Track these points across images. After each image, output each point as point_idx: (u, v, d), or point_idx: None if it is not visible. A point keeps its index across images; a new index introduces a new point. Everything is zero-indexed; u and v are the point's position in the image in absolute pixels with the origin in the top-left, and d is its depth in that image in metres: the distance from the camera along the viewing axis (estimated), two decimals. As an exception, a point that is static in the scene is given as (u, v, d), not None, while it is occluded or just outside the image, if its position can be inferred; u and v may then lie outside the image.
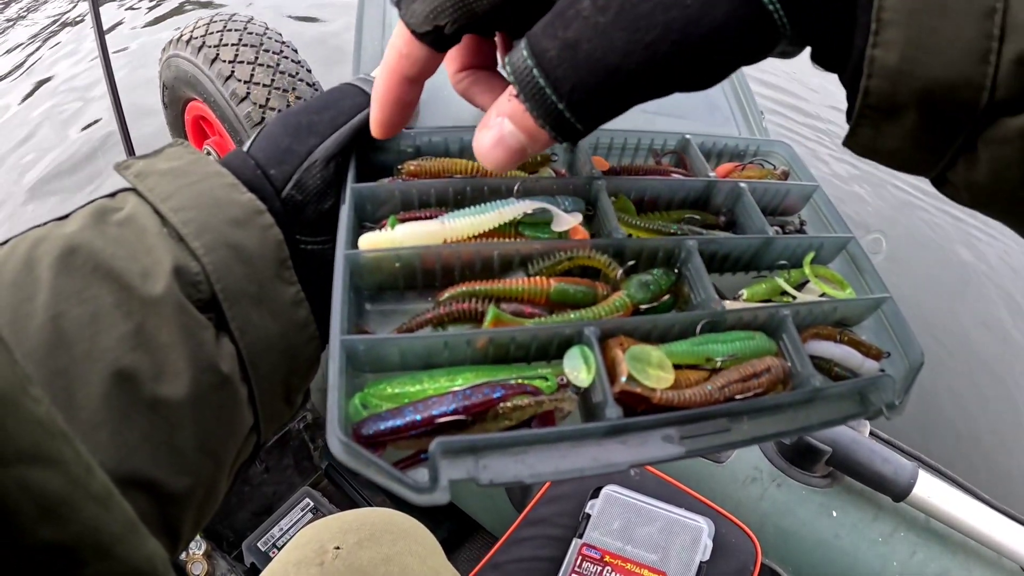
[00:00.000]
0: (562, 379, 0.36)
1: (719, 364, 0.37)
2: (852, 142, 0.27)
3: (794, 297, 0.43)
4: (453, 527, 1.15)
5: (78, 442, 0.20)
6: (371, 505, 1.13)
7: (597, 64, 0.26)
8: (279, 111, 1.12)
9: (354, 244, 0.38)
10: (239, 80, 1.11)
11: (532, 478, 0.33)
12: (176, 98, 1.36)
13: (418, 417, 0.33)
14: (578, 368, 0.35)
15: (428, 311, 0.38)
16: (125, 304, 0.32)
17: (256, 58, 1.12)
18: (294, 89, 1.15)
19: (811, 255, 0.44)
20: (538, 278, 0.38)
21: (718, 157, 0.49)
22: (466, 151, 0.44)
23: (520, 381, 0.35)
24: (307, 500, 1.08)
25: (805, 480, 0.88)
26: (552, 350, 0.37)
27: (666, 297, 0.41)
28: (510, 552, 0.76)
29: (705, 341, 0.38)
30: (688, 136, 0.46)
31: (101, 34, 1.06)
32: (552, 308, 0.38)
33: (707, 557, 0.71)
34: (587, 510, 0.74)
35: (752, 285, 0.43)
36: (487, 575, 0.75)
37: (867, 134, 0.26)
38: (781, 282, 0.43)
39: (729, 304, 0.40)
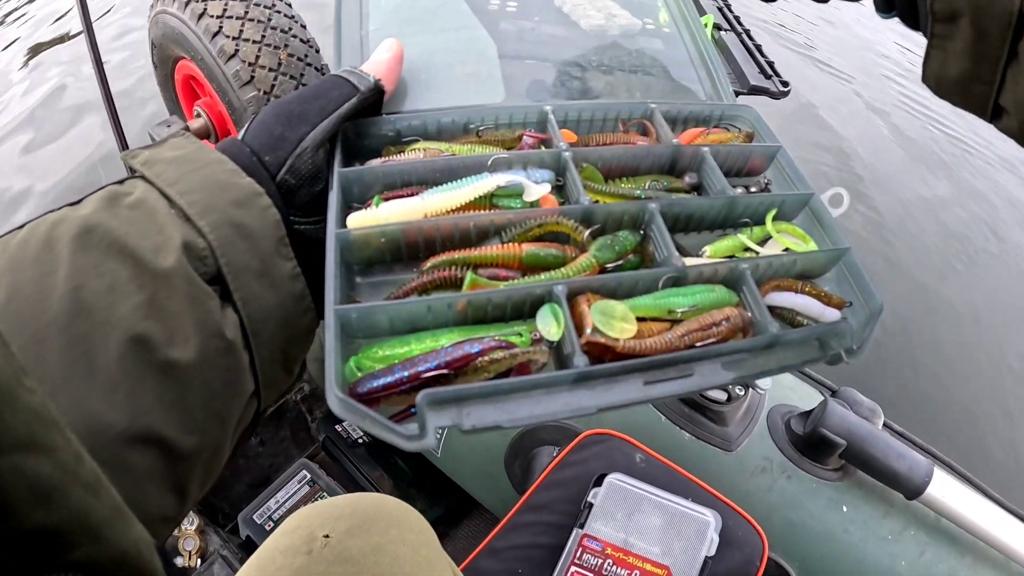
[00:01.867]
0: (536, 334, 0.39)
1: (679, 315, 0.40)
2: (926, 72, 0.32)
3: (757, 253, 0.46)
4: (452, 504, 1.16)
5: (69, 431, 0.21)
6: (367, 477, 1.14)
7: None
8: (269, 69, 1.07)
9: (343, 223, 0.42)
10: (227, 36, 1.04)
11: (510, 423, 0.36)
12: (165, 57, 1.28)
13: (406, 374, 0.37)
14: (549, 324, 0.39)
15: (413, 280, 0.41)
16: (139, 277, 0.34)
17: (246, 12, 1.04)
18: (286, 46, 1.07)
19: (773, 212, 0.47)
20: (511, 244, 0.41)
21: (684, 123, 0.51)
22: (444, 132, 0.47)
23: (497, 337, 0.38)
24: (304, 472, 1.07)
25: (816, 472, 0.85)
26: (526, 309, 0.40)
27: (632, 257, 0.44)
28: (509, 538, 0.74)
29: (667, 295, 0.41)
30: (652, 105, 0.49)
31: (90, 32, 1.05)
32: (525, 271, 0.41)
33: (713, 552, 0.68)
34: (589, 498, 0.71)
35: (715, 242, 0.46)
36: (484, 560, 0.73)
37: (937, 58, 0.30)
38: (744, 239, 0.46)
39: (691, 261, 0.43)
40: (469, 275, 0.39)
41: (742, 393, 0.87)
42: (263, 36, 1.03)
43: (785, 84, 0.84)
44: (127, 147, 1.14)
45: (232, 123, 1.16)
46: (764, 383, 0.86)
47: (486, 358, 0.37)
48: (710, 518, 0.70)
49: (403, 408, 0.39)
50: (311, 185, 0.43)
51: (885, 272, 2.18)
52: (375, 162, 0.46)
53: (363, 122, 0.46)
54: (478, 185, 0.42)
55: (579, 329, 0.38)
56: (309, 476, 1.06)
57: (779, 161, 0.49)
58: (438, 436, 1.05)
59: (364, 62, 0.49)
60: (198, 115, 1.21)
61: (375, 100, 0.46)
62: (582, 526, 0.70)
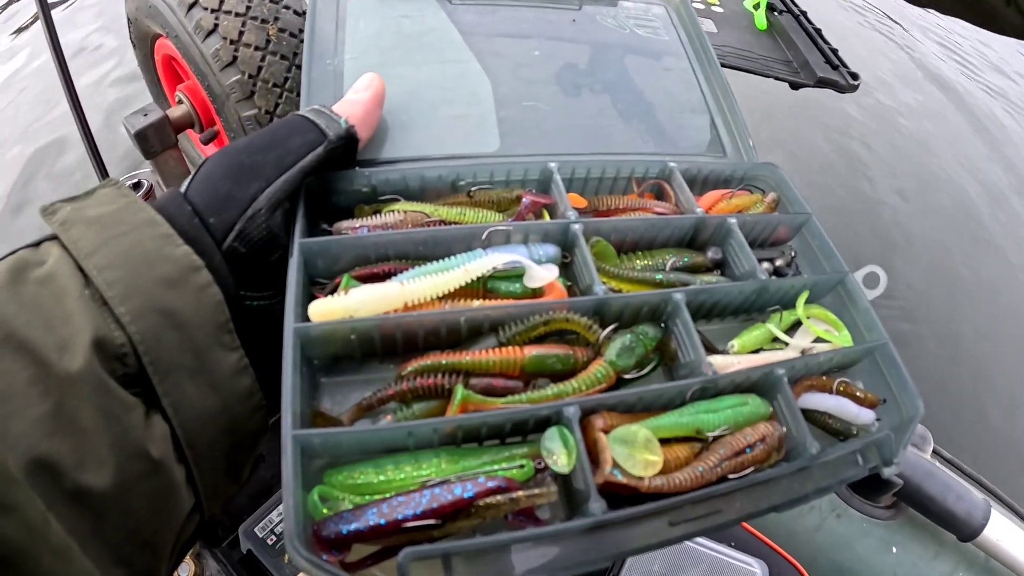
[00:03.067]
0: (539, 463, 0.32)
1: (711, 438, 0.34)
2: None
3: (786, 344, 0.40)
4: None
5: (32, 494, 0.18)
6: None
7: None
8: (255, 48, 0.87)
9: (304, 311, 0.34)
10: (205, 8, 0.85)
11: (511, 583, 0.29)
12: (143, 35, 1.09)
13: (382, 521, 0.30)
14: (557, 451, 0.32)
15: (390, 387, 0.33)
16: (42, 381, 0.28)
17: None
18: (276, 19, 0.88)
19: (804, 295, 0.40)
20: (510, 348, 0.34)
21: (703, 184, 0.44)
22: (428, 189, 0.39)
23: (492, 474, 0.31)
24: None
25: (867, 511, 0.80)
26: (529, 427, 0.33)
27: (651, 356, 0.37)
28: None
29: (695, 411, 0.34)
30: (672, 164, 0.42)
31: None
32: (527, 379, 0.34)
33: None
34: None
35: (742, 334, 0.39)
36: None
37: None
38: (773, 328, 0.40)
39: (719, 360, 0.36)
40: (459, 391, 0.32)
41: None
42: (248, 8, 0.85)
43: (855, 76, 0.75)
44: (92, 140, 0.96)
45: (215, 111, 0.98)
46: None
47: (481, 503, 0.30)
48: (756, 568, 0.65)
49: (380, 548, 0.31)
50: (266, 254, 0.35)
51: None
52: (345, 225, 0.37)
53: (332, 176, 0.38)
54: (471, 267, 0.35)
55: (593, 458, 0.32)
56: None
57: (806, 231, 0.43)
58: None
59: (335, 96, 0.40)
60: (180, 101, 1.04)
61: (346, 149, 0.37)
62: None
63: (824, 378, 0.39)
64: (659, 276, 0.37)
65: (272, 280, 0.36)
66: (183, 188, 0.35)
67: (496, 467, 0.32)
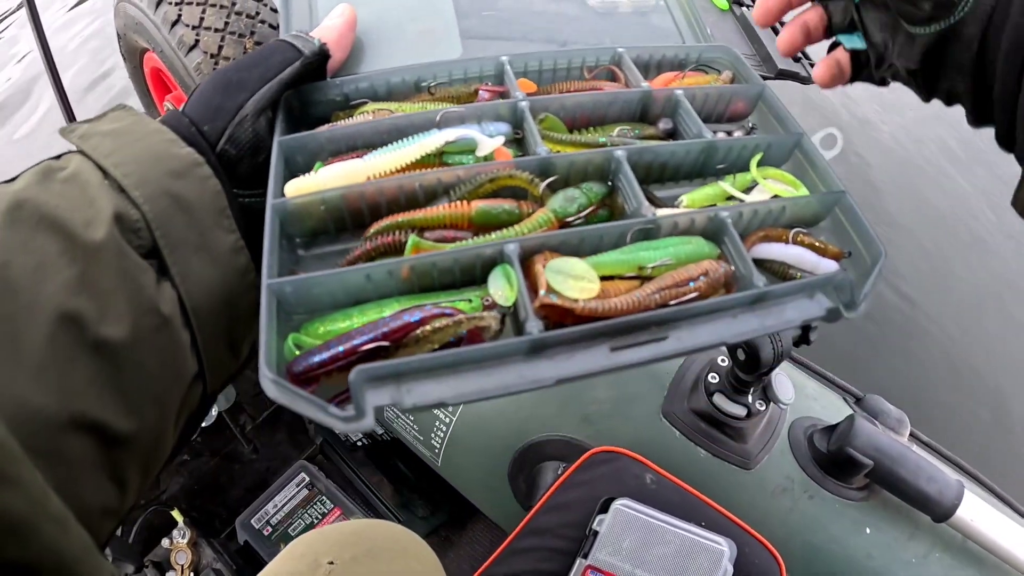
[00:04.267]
0: (488, 300, 0.35)
1: (650, 271, 0.36)
2: (1018, 197, 0.33)
3: (741, 200, 0.41)
4: (455, 510, 1.10)
5: (32, 467, 0.20)
6: (365, 482, 1.08)
7: None
8: (234, 61, 1.00)
9: (282, 192, 0.38)
10: (187, 26, 0.93)
11: (456, 399, 0.32)
12: (132, 49, 1.19)
13: (341, 348, 0.33)
14: (501, 287, 0.35)
15: (357, 248, 0.37)
16: (69, 252, 0.32)
17: None
18: (252, 34, 0.95)
19: (758, 156, 0.42)
20: (458, 202, 0.37)
21: (657, 68, 0.46)
22: (395, 92, 0.43)
23: (441, 304, 0.34)
24: (302, 475, 1.02)
25: (840, 492, 0.79)
26: (478, 274, 0.36)
27: (602, 211, 0.39)
28: (509, 563, 0.68)
29: (636, 249, 0.36)
30: (620, 50, 0.44)
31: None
32: (477, 232, 0.37)
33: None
34: (595, 526, 0.66)
35: (693, 192, 0.41)
36: None
37: None
38: (726, 186, 0.41)
39: (664, 212, 0.38)
40: (412, 239, 0.35)
41: (763, 408, 0.80)
42: (226, 23, 0.94)
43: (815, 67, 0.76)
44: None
45: None
46: (786, 396, 0.79)
47: (428, 327, 0.33)
48: (724, 547, 0.64)
49: (345, 388, 0.35)
50: (253, 156, 0.40)
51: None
52: (322, 129, 0.42)
53: (307, 88, 0.43)
54: (425, 142, 0.38)
55: (534, 291, 0.34)
56: (308, 479, 1.02)
57: (764, 103, 0.44)
58: (392, 417, 0.99)
59: (313, 28, 0.45)
60: (169, 110, 1.15)
61: (319, 65, 0.42)
62: (586, 556, 0.64)
63: (779, 229, 0.40)
64: (602, 139, 0.40)
65: (260, 180, 0.40)
66: (181, 108, 0.41)
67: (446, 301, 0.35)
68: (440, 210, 0.36)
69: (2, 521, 0.18)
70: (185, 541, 0.90)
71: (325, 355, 0.33)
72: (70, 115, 1.02)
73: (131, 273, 0.33)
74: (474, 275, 0.36)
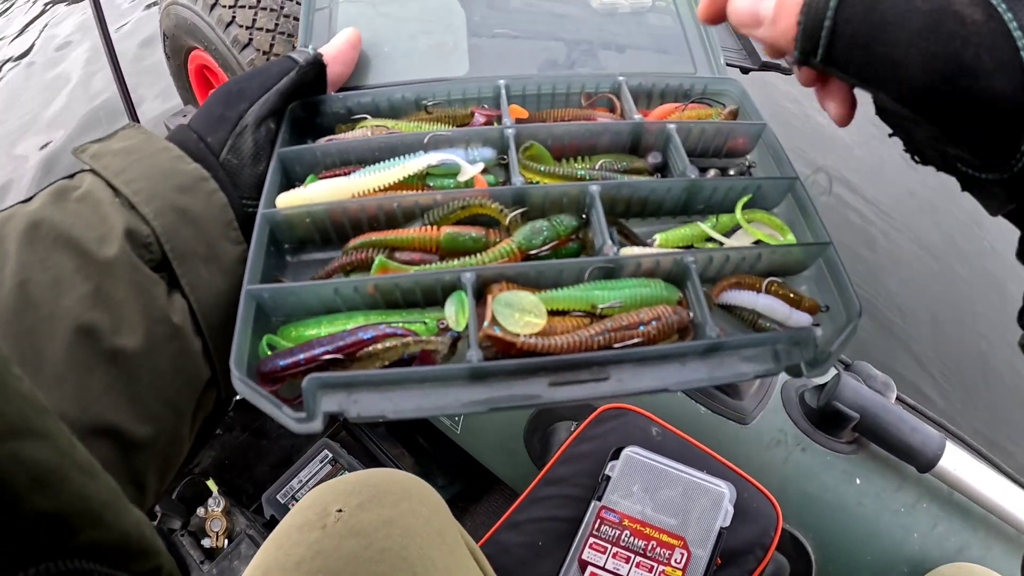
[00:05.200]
0: (442, 323, 0.37)
1: (600, 311, 0.36)
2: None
3: (720, 244, 0.41)
4: (472, 480, 1.15)
5: (57, 419, 0.21)
6: (387, 454, 1.14)
7: (877, 34, 0.28)
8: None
9: (274, 202, 0.41)
10: (240, 26, 1.02)
11: (396, 414, 0.35)
12: (178, 48, 1.27)
13: (303, 356, 0.36)
14: (454, 313, 0.37)
15: (335, 261, 0.40)
16: (84, 268, 0.35)
17: (259, 1, 1.03)
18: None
19: (745, 199, 0.41)
20: (428, 227, 0.39)
21: (661, 97, 0.46)
22: (396, 108, 0.46)
23: (396, 324, 0.36)
24: (326, 452, 1.07)
25: (830, 445, 0.84)
26: (439, 295, 0.38)
27: (572, 244, 0.40)
28: (529, 511, 0.76)
29: (591, 288, 0.37)
30: (621, 78, 0.44)
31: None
32: (444, 255, 0.39)
33: (727, 523, 0.68)
34: (607, 471, 0.72)
35: (669, 231, 0.41)
36: (505, 533, 0.75)
37: None
38: (705, 227, 0.41)
39: (629, 251, 0.39)
40: (378, 259, 0.38)
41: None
42: (276, 24, 1.03)
43: None
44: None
45: None
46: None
47: (379, 345, 0.36)
48: (724, 489, 0.69)
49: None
50: (254, 165, 0.43)
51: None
52: (324, 140, 0.45)
53: (312, 101, 0.45)
54: (409, 164, 0.41)
55: (487, 319, 0.36)
56: (331, 455, 1.07)
57: (764, 141, 0.43)
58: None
59: (330, 33, 0.48)
60: (178, 125, 1.22)
61: (316, 75, 0.45)
62: (600, 498, 0.70)
63: (753, 276, 0.40)
64: (581, 171, 0.41)
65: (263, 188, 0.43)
66: (188, 122, 0.44)
67: (404, 324, 0.37)
68: (411, 233, 0.39)
69: (33, 471, 0.19)
70: (219, 509, 0.97)
71: (289, 360, 0.37)
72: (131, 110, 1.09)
73: (143, 285, 0.36)
74: (436, 296, 0.38)
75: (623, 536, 0.68)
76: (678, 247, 0.41)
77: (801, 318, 0.39)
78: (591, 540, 0.68)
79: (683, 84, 0.46)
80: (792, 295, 0.39)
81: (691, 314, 0.37)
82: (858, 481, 0.83)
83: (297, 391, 0.38)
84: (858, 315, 0.37)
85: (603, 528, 0.69)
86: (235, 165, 0.42)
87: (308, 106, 0.45)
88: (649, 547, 0.66)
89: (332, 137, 0.45)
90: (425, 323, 0.37)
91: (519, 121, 0.43)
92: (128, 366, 0.35)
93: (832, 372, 0.86)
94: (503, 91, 0.44)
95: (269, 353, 0.38)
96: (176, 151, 0.41)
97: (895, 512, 0.81)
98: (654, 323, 0.36)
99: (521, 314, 0.35)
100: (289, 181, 0.44)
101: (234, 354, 0.35)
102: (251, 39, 1.02)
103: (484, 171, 0.41)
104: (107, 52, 1.00)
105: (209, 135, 0.42)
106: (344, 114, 0.46)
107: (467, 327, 0.36)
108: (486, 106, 0.45)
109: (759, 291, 0.39)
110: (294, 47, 1.05)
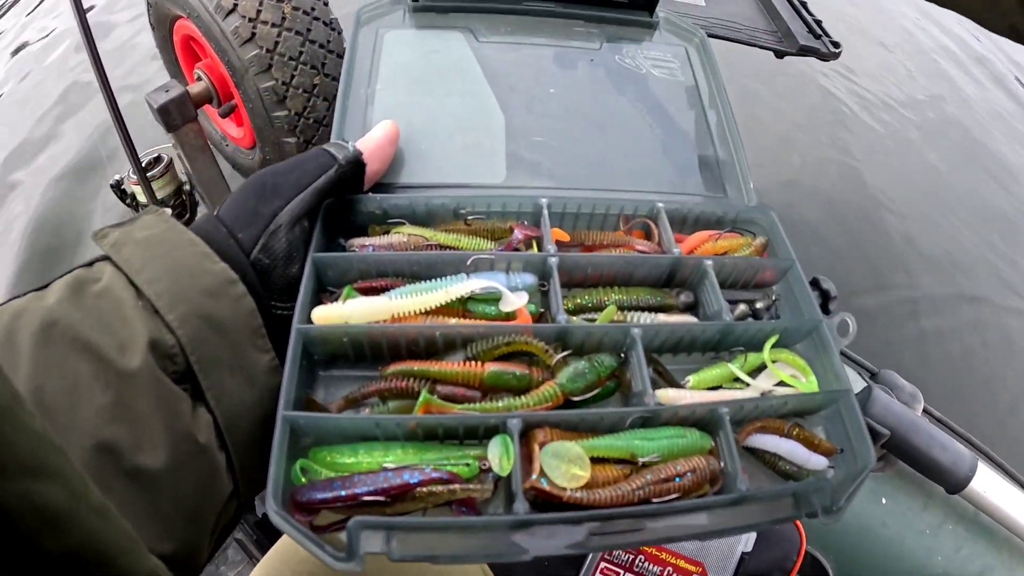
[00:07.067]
0: (485, 463, 0.39)
1: (641, 463, 0.39)
2: None
3: (747, 384, 0.43)
4: None
5: (71, 459, 0.21)
6: None
7: None
8: (272, 24, 1.00)
9: (309, 314, 0.41)
10: None
11: (441, 559, 0.36)
12: (162, 17, 1.23)
13: (343, 493, 0.37)
14: (499, 456, 0.38)
15: (372, 384, 0.41)
16: (103, 376, 0.33)
17: None
18: None
19: (772, 339, 0.44)
20: (473, 363, 0.40)
21: (694, 224, 0.48)
22: (433, 215, 0.46)
23: (441, 467, 0.38)
24: None
25: None
26: (481, 432, 0.39)
27: (608, 382, 0.42)
28: None
29: (632, 437, 0.39)
30: (660, 204, 0.46)
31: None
32: (486, 391, 0.40)
33: (749, 548, 0.67)
34: None
35: (702, 371, 0.43)
36: None
37: None
38: (735, 368, 0.43)
39: (670, 394, 0.41)
40: (423, 394, 0.39)
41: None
42: None
43: (836, 45, 0.78)
44: (123, 124, 1.08)
45: (234, 85, 1.12)
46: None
47: (424, 490, 0.37)
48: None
49: (343, 517, 0.39)
50: (286, 266, 0.42)
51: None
52: (357, 242, 0.45)
53: (349, 199, 0.45)
54: (452, 290, 0.41)
55: (528, 461, 0.38)
56: None
57: (790, 278, 0.46)
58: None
59: (365, 120, 0.48)
60: (199, 78, 1.17)
61: (355, 173, 0.45)
62: None
63: (778, 420, 0.43)
64: (615, 298, 0.43)
65: (294, 290, 0.42)
66: (216, 211, 0.42)
67: (447, 463, 0.39)
68: (455, 367, 0.40)
69: (44, 512, 0.19)
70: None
71: (328, 495, 0.37)
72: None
73: (167, 401, 0.35)
74: (476, 433, 0.40)
75: (637, 561, 0.66)
76: (709, 388, 0.43)
77: (819, 461, 0.43)
78: (603, 565, 0.67)
79: (715, 211, 0.48)
80: (814, 440, 0.42)
81: (722, 464, 0.40)
82: (884, 501, 0.82)
83: (330, 519, 0.39)
84: (869, 465, 0.41)
85: (616, 552, 0.67)
86: (266, 265, 0.41)
87: (343, 203, 0.45)
88: (665, 573, 0.65)
89: (366, 242, 0.45)
90: (468, 465, 0.38)
91: (560, 245, 0.44)
92: (150, 485, 0.34)
93: (862, 384, 0.85)
94: (545, 211, 0.45)
95: (303, 479, 0.39)
96: (203, 247, 0.40)
97: (920, 533, 0.81)
98: (689, 475, 0.39)
99: (568, 466, 0.37)
100: (322, 284, 0.44)
101: (271, 486, 0.36)
102: (235, 5, 0.97)
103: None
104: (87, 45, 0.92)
105: (240, 231, 0.41)
106: (380, 215, 0.46)
107: (512, 472, 0.38)
108: (525, 222, 0.46)
109: (783, 435, 0.42)
110: (283, 16, 1.01)
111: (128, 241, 0.39)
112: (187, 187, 1.23)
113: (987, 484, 0.76)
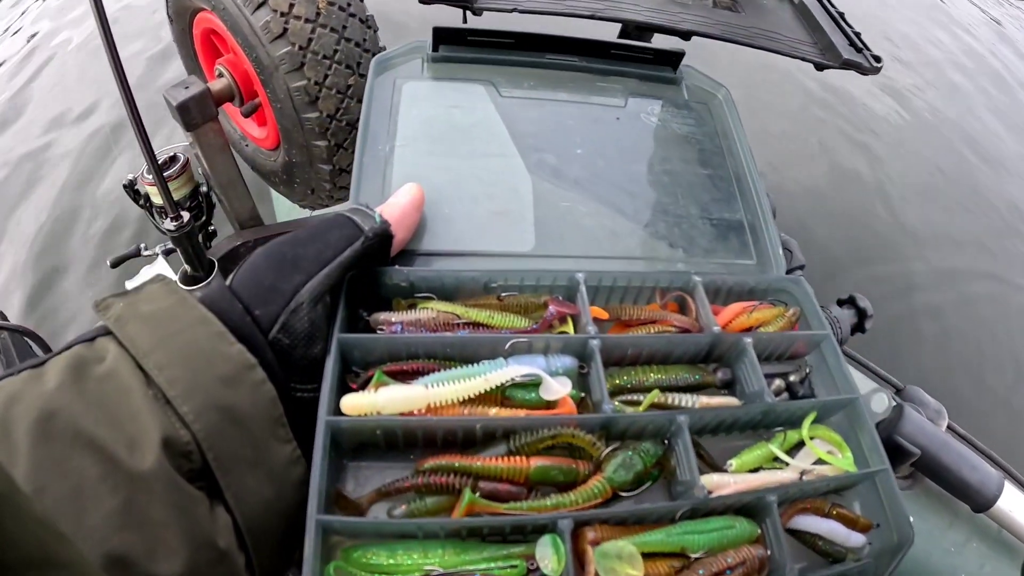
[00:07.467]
0: (532, 563, 0.37)
1: (693, 558, 0.38)
2: None
3: (787, 464, 0.43)
4: None
5: (79, 551, 0.20)
6: None
7: None
8: (305, 20, 0.93)
9: (336, 404, 0.39)
10: None
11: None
12: (182, 9, 1.16)
13: (386, 605, 0.35)
14: (549, 557, 0.37)
15: (407, 479, 0.39)
16: (111, 477, 0.30)
17: None
18: None
19: (811, 417, 0.44)
20: (517, 458, 0.38)
21: (727, 295, 0.47)
22: (462, 289, 0.44)
23: (487, 572, 0.36)
24: None
25: None
26: (527, 530, 0.38)
27: (652, 470, 0.41)
28: None
29: (683, 531, 0.38)
30: (696, 278, 0.45)
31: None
32: (531, 486, 0.39)
33: None
34: None
35: (743, 453, 0.43)
36: None
37: None
38: (774, 448, 0.43)
39: (714, 479, 0.40)
40: (467, 494, 0.37)
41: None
42: None
43: (877, 59, 0.78)
44: (140, 121, 1.00)
45: (259, 83, 1.04)
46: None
47: (474, 601, 0.35)
48: None
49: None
50: (308, 346, 0.39)
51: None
52: (382, 318, 0.42)
53: (373, 270, 0.43)
54: (491, 377, 0.40)
55: (582, 566, 0.36)
56: None
57: (823, 350, 0.46)
58: None
59: (384, 180, 0.45)
60: (220, 75, 1.09)
61: (381, 245, 0.42)
62: None
63: (819, 500, 0.42)
64: (654, 377, 0.42)
65: (316, 373, 0.39)
66: (229, 281, 0.39)
67: (493, 565, 0.37)
68: (499, 463, 0.38)
69: None
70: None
71: (369, 608, 0.35)
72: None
73: (183, 505, 0.32)
74: (523, 530, 0.38)
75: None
76: (751, 470, 0.42)
77: (857, 539, 0.43)
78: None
79: (749, 282, 0.47)
80: (852, 517, 0.42)
81: (769, 552, 0.40)
82: (912, 519, 0.83)
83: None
84: (909, 542, 0.41)
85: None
86: (286, 346, 0.38)
87: (367, 273, 0.42)
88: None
89: (392, 318, 0.42)
90: (515, 566, 0.37)
91: (598, 323, 0.43)
92: None
93: (892, 403, 0.86)
94: (582, 285, 0.43)
95: (338, 584, 0.36)
96: (216, 325, 0.36)
97: (945, 551, 0.82)
98: (739, 569, 0.38)
99: (621, 565, 0.36)
100: (347, 365, 0.41)
101: None
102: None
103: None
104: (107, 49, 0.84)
105: (257, 307, 0.38)
106: (406, 288, 0.44)
107: (562, 573, 0.36)
108: (560, 297, 0.44)
109: (824, 515, 0.42)
110: (318, 10, 0.93)
111: (133, 316, 0.36)
112: (204, 188, 1.14)
113: (1013, 503, 0.77)
